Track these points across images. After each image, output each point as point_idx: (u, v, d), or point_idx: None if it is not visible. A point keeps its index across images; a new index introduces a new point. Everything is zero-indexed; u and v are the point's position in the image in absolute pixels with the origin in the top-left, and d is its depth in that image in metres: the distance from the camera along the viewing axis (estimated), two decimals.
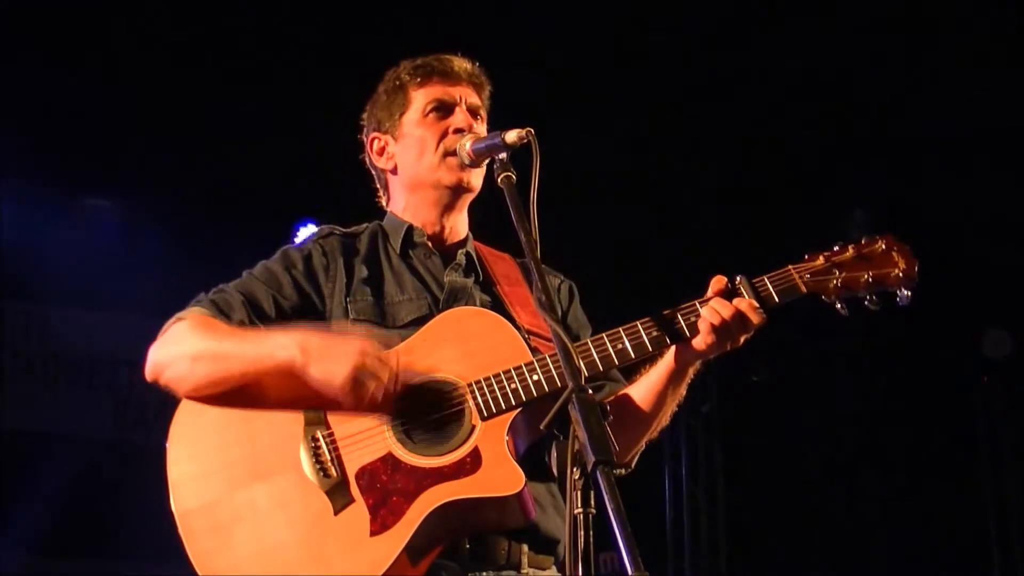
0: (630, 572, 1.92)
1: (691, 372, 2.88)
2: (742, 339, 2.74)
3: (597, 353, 2.72)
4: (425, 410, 2.71)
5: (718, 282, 2.75)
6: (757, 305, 2.70)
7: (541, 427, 2.20)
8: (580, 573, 2.07)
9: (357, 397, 2.62)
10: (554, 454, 2.19)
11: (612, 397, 2.96)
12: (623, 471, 2.96)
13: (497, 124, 2.96)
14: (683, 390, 2.92)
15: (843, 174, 7.81)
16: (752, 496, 9.51)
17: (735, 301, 2.71)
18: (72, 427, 8.48)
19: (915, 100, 7.28)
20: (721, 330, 2.69)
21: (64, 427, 8.46)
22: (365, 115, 3.20)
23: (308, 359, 2.64)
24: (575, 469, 2.11)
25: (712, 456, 9.56)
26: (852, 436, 9.17)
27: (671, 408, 2.94)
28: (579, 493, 2.10)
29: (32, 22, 6.58)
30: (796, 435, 9.31)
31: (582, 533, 2.09)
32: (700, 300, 2.75)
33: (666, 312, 2.75)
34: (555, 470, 2.19)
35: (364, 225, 3.14)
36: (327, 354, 2.63)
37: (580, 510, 2.09)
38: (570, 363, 2.24)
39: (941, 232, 7.43)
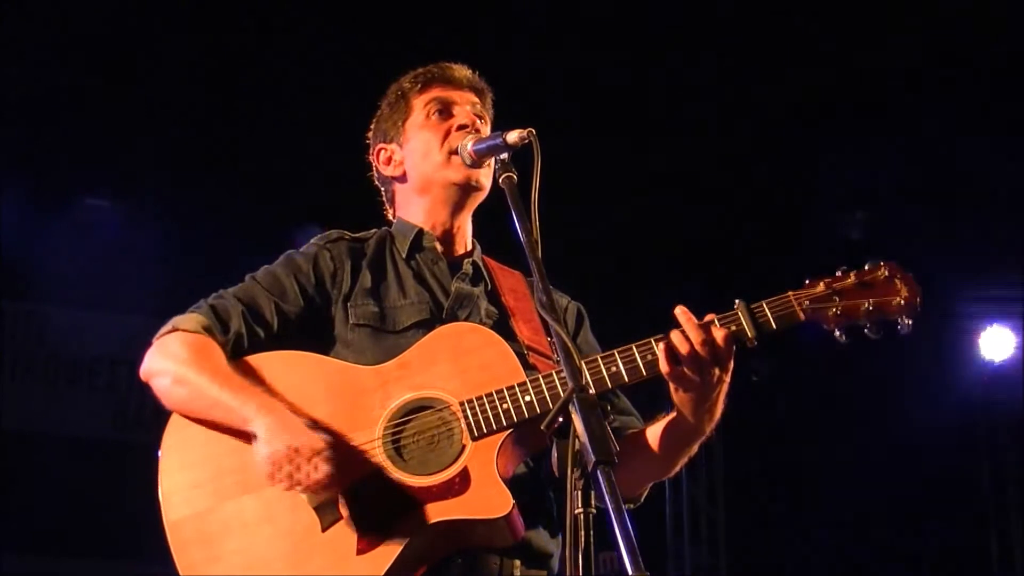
0: (630, 572, 1.91)
1: (698, 431, 2.79)
2: (717, 371, 2.64)
3: (591, 375, 2.67)
4: (416, 428, 2.70)
5: (684, 312, 2.66)
6: (726, 332, 2.63)
7: (542, 427, 2.20)
8: (580, 573, 2.07)
9: (271, 480, 2.63)
10: (554, 454, 2.18)
11: (627, 432, 2.94)
12: (631, 505, 2.93)
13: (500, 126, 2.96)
14: (692, 447, 2.86)
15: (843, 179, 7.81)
16: (752, 496, 9.51)
17: (708, 328, 2.63)
18: (72, 427, 8.48)
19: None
20: (689, 359, 2.62)
21: (64, 427, 8.47)
22: (371, 132, 3.21)
23: (256, 427, 2.65)
24: (575, 469, 2.10)
25: (712, 456, 9.56)
26: (852, 436, 9.16)
27: (679, 458, 2.89)
28: (579, 493, 2.09)
29: (34, 22, 6.58)
30: (796, 435, 9.30)
31: (582, 533, 2.08)
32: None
33: (662, 335, 2.68)
34: (555, 470, 2.17)
35: (373, 231, 3.14)
36: (271, 434, 2.63)
37: (580, 510, 2.09)
38: (570, 363, 2.24)
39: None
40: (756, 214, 8.16)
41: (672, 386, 2.72)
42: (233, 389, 2.72)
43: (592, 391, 2.51)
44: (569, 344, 2.27)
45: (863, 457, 8.99)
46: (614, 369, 2.67)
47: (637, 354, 2.67)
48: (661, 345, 2.65)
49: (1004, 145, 7.38)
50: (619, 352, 2.69)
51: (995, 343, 8.88)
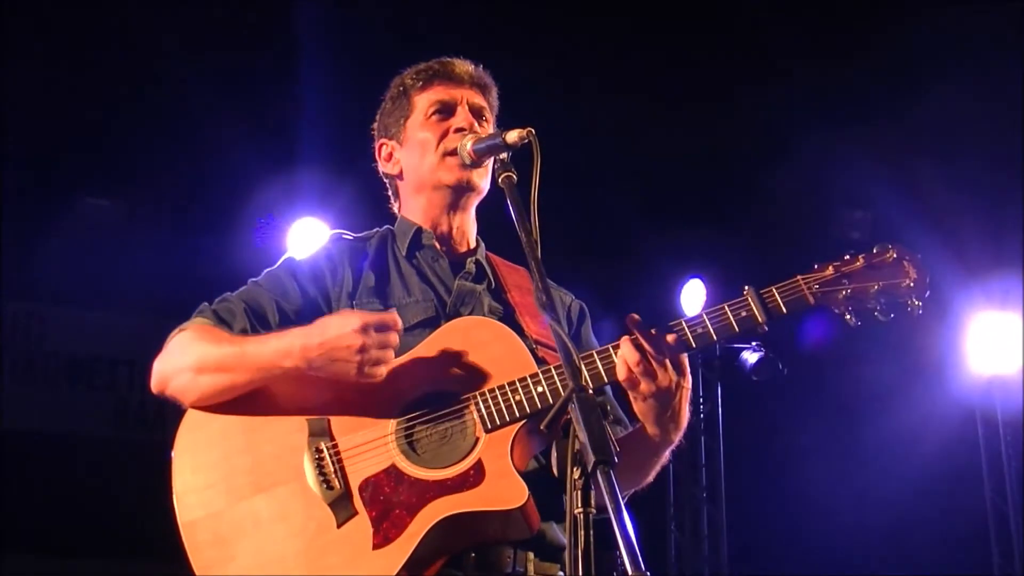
0: (630, 572, 1.91)
1: (664, 440, 2.77)
2: (673, 378, 2.63)
3: (587, 371, 2.67)
4: (429, 422, 2.70)
5: (633, 320, 2.65)
6: (676, 338, 2.63)
7: (541, 427, 2.20)
8: (580, 573, 2.07)
9: (373, 378, 2.66)
10: (554, 454, 2.18)
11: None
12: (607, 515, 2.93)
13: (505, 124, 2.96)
14: (661, 455, 2.86)
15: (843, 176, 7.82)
16: (752, 496, 9.51)
17: (661, 335, 2.63)
18: (72, 427, 8.48)
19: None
20: (641, 368, 2.62)
21: (64, 427, 8.46)
22: (375, 124, 3.21)
23: (315, 365, 2.66)
24: (575, 469, 2.10)
25: (712, 456, 9.56)
26: (852, 436, 9.16)
27: (650, 467, 2.89)
28: (579, 493, 2.09)
29: (33, 22, 6.58)
30: (796, 435, 9.30)
31: (582, 533, 2.08)
32: (688, 320, 2.67)
33: (662, 327, 2.67)
34: (555, 470, 2.17)
35: (375, 230, 3.15)
36: (331, 355, 2.64)
37: (580, 510, 2.09)
38: (570, 363, 2.23)
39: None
40: (755, 213, 8.16)
41: (631, 395, 2.72)
42: (267, 346, 2.73)
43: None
44: (568, 344, 2.27)
45: (863, 457, 8.99)
46: (609, 365, 2.66)
47: (598, 360, 2.68)
48: (697, 328, 2.66)
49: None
50: (614, 348, 2.68)
51: (995, 342, 8.87)
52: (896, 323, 2.71)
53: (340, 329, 2.65)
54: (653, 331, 2.64)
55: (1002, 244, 7.95)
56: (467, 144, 2.89)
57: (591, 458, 2.04)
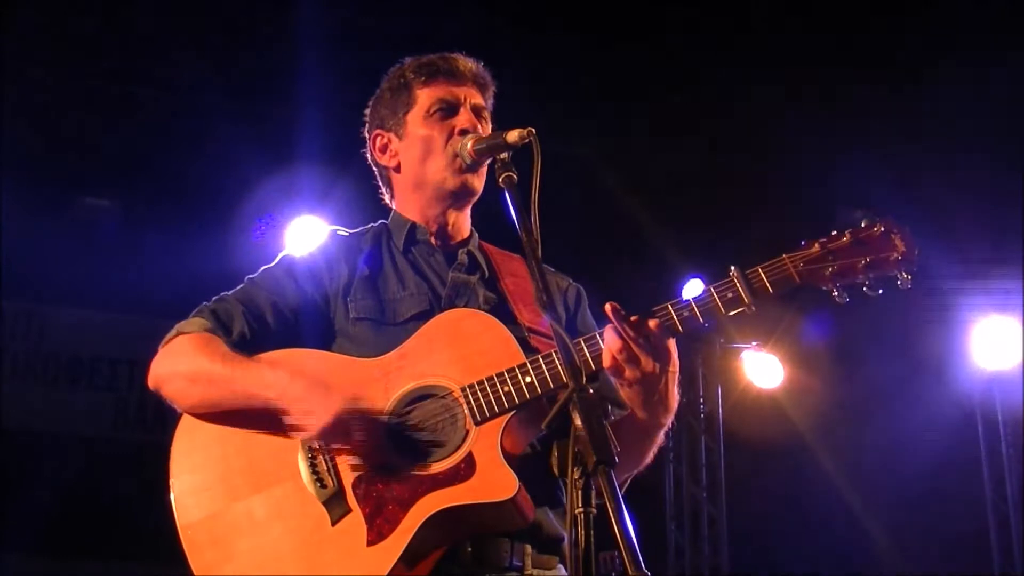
0: (630, 572, 1.91)
1: (655, 424, 2.78)
2: (656, 364, 2.62)
3: (548, 369, 2.67)
4: (420, 416, 2.71)
5: (613, 308, 2.62)
6: (660, 323, 2.61)
7: (542, 426, 2.19)
8: (581, 572, 2.07)
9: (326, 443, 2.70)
10: (555, 453, 2.18)
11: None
12: None
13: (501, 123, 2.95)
14: (655, 437, 2.84)
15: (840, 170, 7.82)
16: (752, 496, 9.51)
17: (647, 321, 2.62)
18: (72, 427, 8.48)
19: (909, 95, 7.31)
20: (624, 355, 2.61)
21: (64, 427, 8.47)
22: (368, 112, 3.18)
23: (287, 405, 2.68)
24: (575, 468, 2.10)
25: (712, 456, 9.55)
26: (851, 435, 9.16)
27: (646, 450, 2.88)
28: (579, 492, 2.09)
29: (33, 23, 6.58)
30: (795, 434, 9.30)
31: (583, 532, 2.08)
32: (674, 304, 2.66)
33: (645, 312, 2.66)
34: (556, 469, 2.17)
35: (370, 225, 3.14)
36: (304, 407, 2.67)
37: (580, 509, 2.08)
38: (571, 362, 2.23)
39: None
40: (755, 212, 8.16)
41: (617, 382, 2.72)
42: (256, 373, 2.75)
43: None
44: (569, 343, 2.27)
45: (862, 456, 8.99)
46: (596, 352, 2.67)
47: (585, 348, 2.67)
48: (683, 312, 2.65)
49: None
50: (600, 334, 2.67)
51: (995, 342, 8.87)
52: (897, 321, 2.69)
53: (320, 406, 2.66)
54: (635, 317, 2.62)
55: (1003, 244, 7.95)
56: (467, 144, 2.88)
57: (591, 458, 2.04)
